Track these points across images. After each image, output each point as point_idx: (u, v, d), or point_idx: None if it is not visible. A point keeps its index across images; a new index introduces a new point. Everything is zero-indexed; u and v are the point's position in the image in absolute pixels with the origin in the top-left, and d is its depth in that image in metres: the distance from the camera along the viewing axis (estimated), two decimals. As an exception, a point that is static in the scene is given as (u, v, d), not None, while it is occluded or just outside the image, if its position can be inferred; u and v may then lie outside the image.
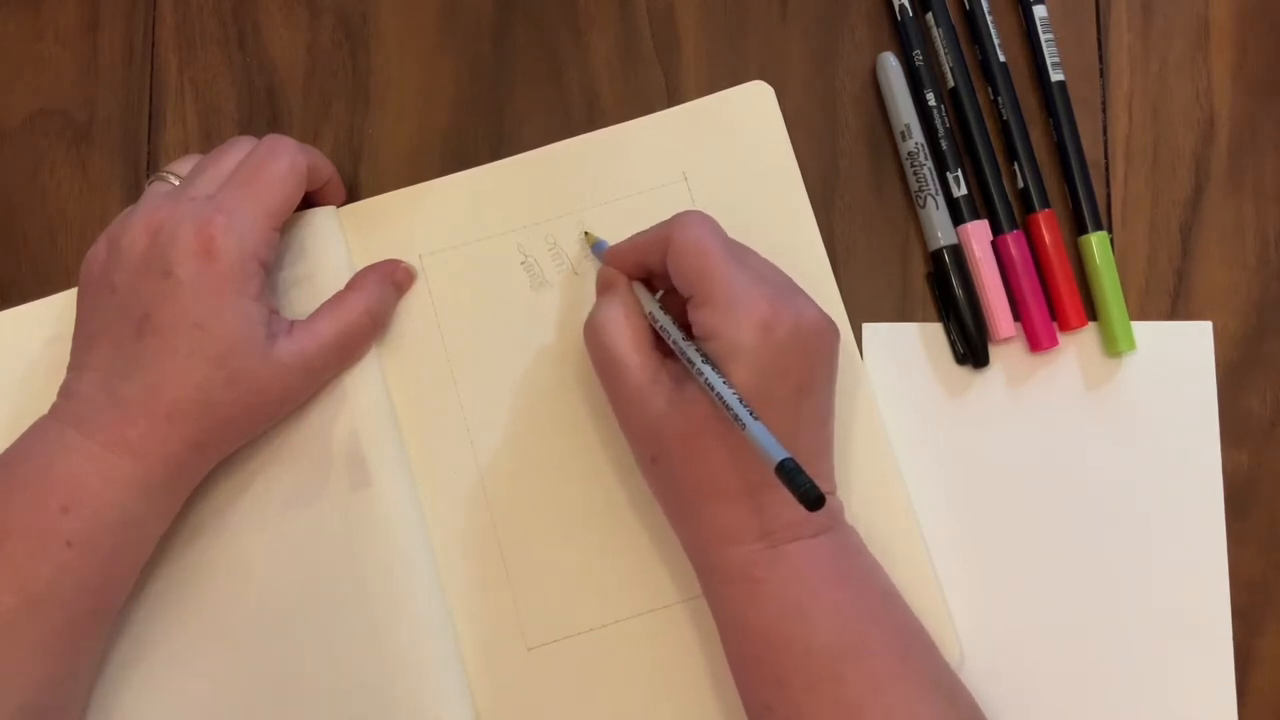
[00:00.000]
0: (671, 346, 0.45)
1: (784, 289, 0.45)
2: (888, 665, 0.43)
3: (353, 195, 0.54)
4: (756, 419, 0.41)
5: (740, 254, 0.46)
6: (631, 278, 0.48)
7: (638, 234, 0.48)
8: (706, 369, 0.43)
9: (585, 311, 0.51)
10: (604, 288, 0.48)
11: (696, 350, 0.44)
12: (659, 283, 0.48)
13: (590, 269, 0.52)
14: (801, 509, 0.45)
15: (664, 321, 0.46)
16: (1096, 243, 0.51)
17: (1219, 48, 0.53)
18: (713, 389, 0.42)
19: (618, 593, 0.50)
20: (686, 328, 0.45)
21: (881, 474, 0.50)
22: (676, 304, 0.46)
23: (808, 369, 0.44)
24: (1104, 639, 0.49)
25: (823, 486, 0.45)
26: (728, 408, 0.42)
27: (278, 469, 0.50)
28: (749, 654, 0.44)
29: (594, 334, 0.46)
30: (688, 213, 0.46)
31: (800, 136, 0.53)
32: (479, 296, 0.52)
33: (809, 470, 0.43)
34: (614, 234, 0.52)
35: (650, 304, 0.47)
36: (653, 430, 0.45)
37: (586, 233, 0.52)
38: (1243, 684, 0.49)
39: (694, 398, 0.43)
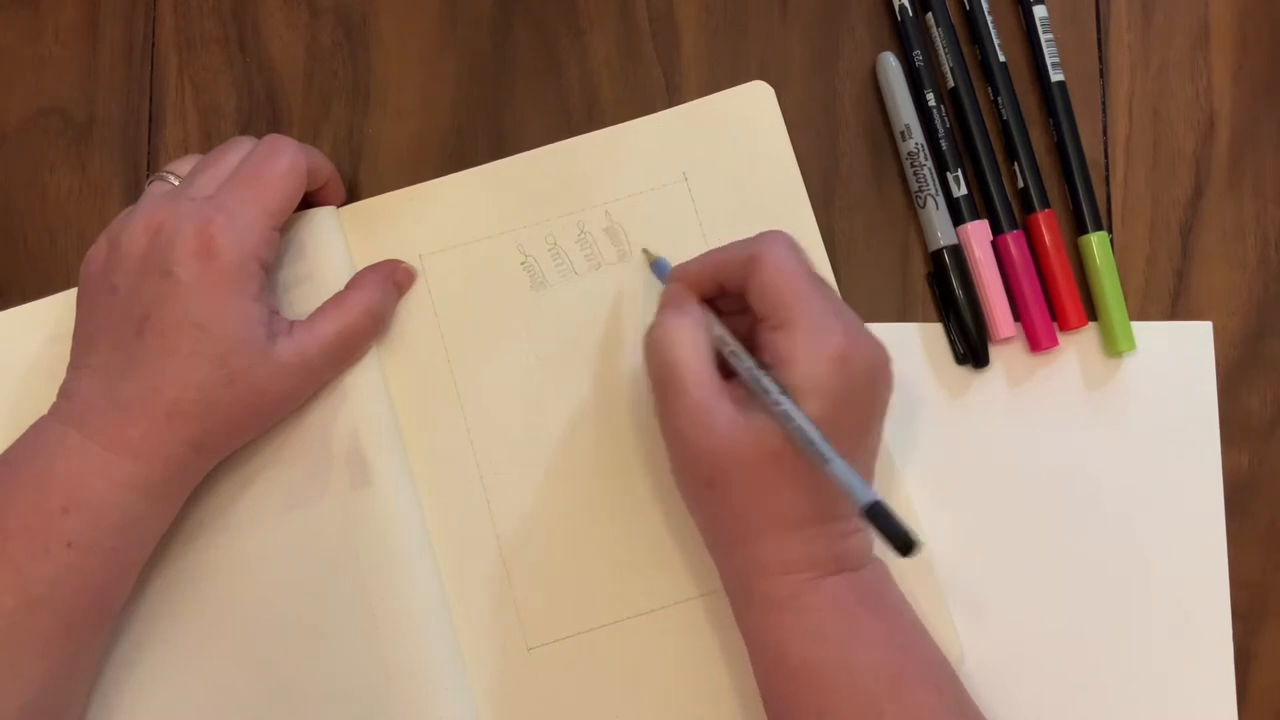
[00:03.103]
0: (741, 372, 0.44)
1: (856, 323, 0.44)
2: (926, 697, 0.43)
3: (353, 195, 0.54)
4: (840, 457, 0.40)
5: (822, 282, 0.45)
6: (702, 296, 0.46)
7: (713, 251, 0.46)
8: (786, 401, 0.42)
9: (585, 311, 0.52)
10: (669, 303, 0.47)
11: (773, 380, 0.43)
12: (723, 304, 0.47)
13: (590, 269, 0.52)
14: (871, 543, 0.45)
15: (735, 347, 0.45)
16: (1096, 243, 0.51)
17: (1219, 48, 0.53)
18: (791, 421, 0.41)
19: (618, 593, 0.50)
20: (750, 350, 0.45)
21: (881, 474, 0.50)
22: (735, 325, 0.46)
23: (872, 404, 0.44)
24: (1104, 639, 0.49)
25: (861, 522, 0.45)
26: (809, 443, 0.41)
27: (278, 469, 0.50)
28: (788, 685, 0.44)
29: (658, 348, 0.45)
30: (774, 232, 0.45)
31: (800, 136, 0.53)
32: (479, 296, 0.52)
33: (852, 506, 0.43)
34: (614, 234, 0.52)
35: (719, 327, 0.46)
36: (714, 454, 0.43)
37: (645, 250, 0.51)
38: (1243, 684, 0.49)
39: (762, 425, 0.42)
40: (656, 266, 0.50)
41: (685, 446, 0.44)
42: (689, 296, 0.46)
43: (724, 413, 0.43)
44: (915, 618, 0.45)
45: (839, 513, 0.43)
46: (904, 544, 0.38)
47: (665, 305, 0.47)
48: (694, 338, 0.45)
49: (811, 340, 0.43)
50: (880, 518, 0.39)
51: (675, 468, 0.46)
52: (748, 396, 0.43)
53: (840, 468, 0.40)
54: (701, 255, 0.47)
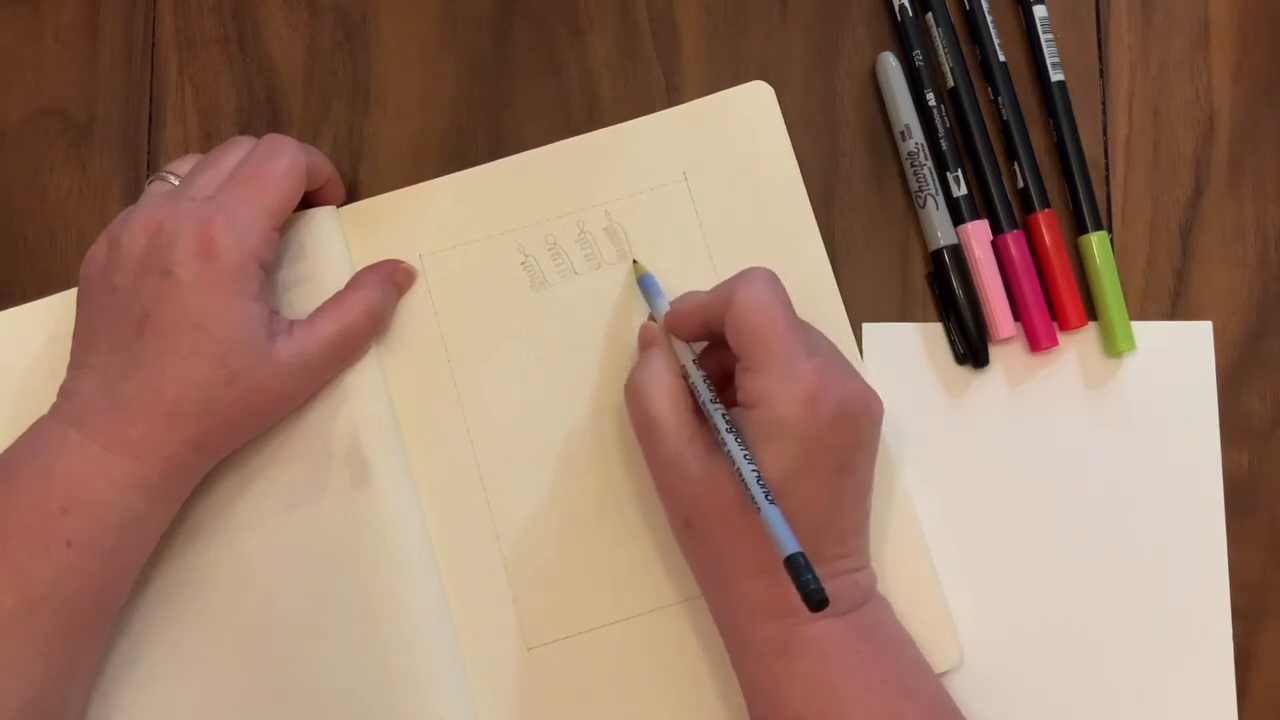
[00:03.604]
0: (704, 412, 0.44)
1: (833, 363, 0.44)
2: None
3: (353, 195, 0.54)
4: (772, 502, 0.40)
5: (797, 323, 0.45)
6: (693, 339, 0.47)
7: (699, 294, 0.46)
8: (730, 440, 0.42)
9: (585, 311, 0.52)
10: (644, 345, 0.47)
11: (724, 418, 0.43)
12: (718, 342, 0.47)
13: (590, 269, 0.52)
14: (870, 582, 0.45)
15: (696, 382, 0.45)
16: (1096, 243, 0.51)
17: (1219, 48, 0.53)
18: (733, 463, 0.41)
19: (617, 593, 0.50)
20: (731, 388, 0.44)
21: (881, 474, 0.50)
22: (715, 363, 0.46)
23: (850, 447, 0.43)
24: (1104, 639, 0.49)
25: (855, 562, 0.44)
26: (745, 486, 0.41)
27: (278, 469, 0.50)
28: None
29: (633, 394, 0.46)
30: (754, 270, 0.45)
31: (800, 136, 0.53)
32: (479, 296, 0.52)
33: (842, 548, 0.43)
34: (614, 234, 0.52)
35: (686, 362, 0.46)
36: (688, 496, 0.44)
37: (636, 261, 0.51)
38: (1243, 684, 0.49)
39: (730, 469, 0.42)
40: (643, 283, 0.50)
41: (663, 490, 0.46)
42: (659, 335, 0.47)
43: (696, 459, 0.43)
44: (917, 656, 0.45)
45: (822, 555, 0.42)
46: (814, 600, 0.38)
47: (643, 346, 0.48)
48: (666, 382, 0.45)
49: (781, 382, 0.42)
50: (796, 570, 0.38)
51: (664, 509, 0.47)
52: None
53: (770, 514, 0.40)
54: (688, 296, 0.47)
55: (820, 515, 0.43)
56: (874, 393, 0.44)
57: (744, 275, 0.45)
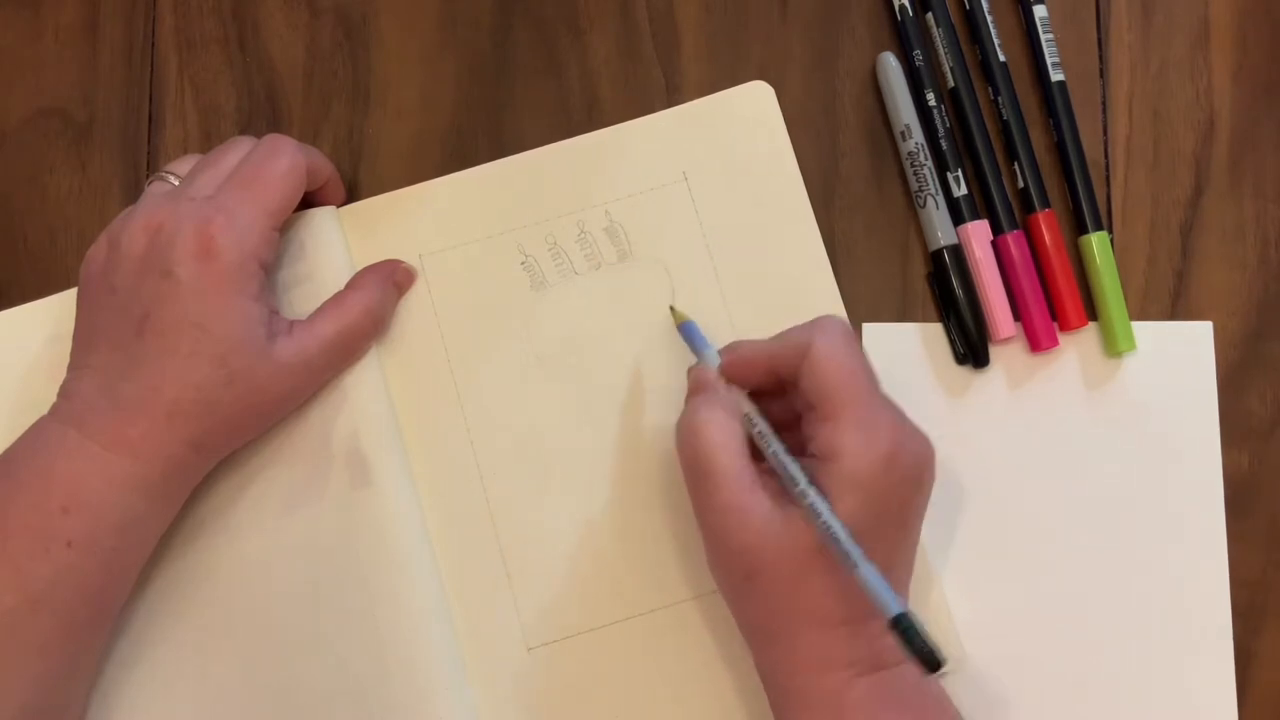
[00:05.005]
0: (769, 458, 0.43)
1: (902, 419, 0.44)
2: None
3: (353, 195, 0.54)
4: (868, 561, 0.40)
5: (873, 373, 0.44)
6: (753, 387, 0.45)
7: (759, 342, 0.45)
8: (814, 495, 0.41)
9: (585, 311, 0.52)
10: (698, 388, 0.45)
11: (803, 472, 0.42)
12: (774, 391, 0.45)
13: (590, 269, 0.52)
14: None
15: (764, 431, 0.43)
16: (1096, 243, 0.51)
17: (1219, 48, 0.53)
18: (819, 517, 0.41)
19: (618, 593, 0.50)
20: (795, 436, 0.44)
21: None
22: (771, 409, 0.45)
23: (913, 503, 0.43)
24: (1104, 639, 0.49)
25: (900, 604, 0.44)
26: (837, 543, 0.40)
27: (278, 469, 0.50)
28: None
29: (690, 437, 0.43)
30: (828, 319, 0.44)
31: (800, 136, 0.53)
32: (479, 296, 0.52)
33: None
34: (614, 234, 0.52)
35: (750, 410, 0.44)
36: (749, 551, 0.42)
37: (673, 308, 0.50)
38: (1243, 684, 0.49)
39: (797, 520, 0.41)
40: (685, 331, 0.48)
41: (720, 542, 0.43)
42: (716, 379, 0.45)
43: (759, 508, 0.42)
44: (956, 713, 0.45)
45: (877, 610, 0.42)
46: (930, 662, 0.37)
47: (695, 390, 0.46)
48: (727, 428, 0.43)
49: (861, 435, 0.42)
50: (906, 632, 0.38)
51: (711, 560, 0.45)
52: (783, 487, 0.43)
53: (869, 573, 0.39)
54: (745, 343, 0.46)
55: (884, 564, 0.42)
56: (932, 447, 0.44)
57: (819, 324, 0.44)
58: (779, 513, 0.42)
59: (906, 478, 0.42)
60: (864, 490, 0.41)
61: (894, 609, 0.38)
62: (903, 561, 0.44)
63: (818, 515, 0.41)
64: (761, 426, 0.44)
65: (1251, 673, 0.49)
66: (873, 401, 0.43)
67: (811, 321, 0.45)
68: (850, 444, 0.42)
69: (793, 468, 0.42)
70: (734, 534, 0.42)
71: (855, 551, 0.40)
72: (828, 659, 0.42)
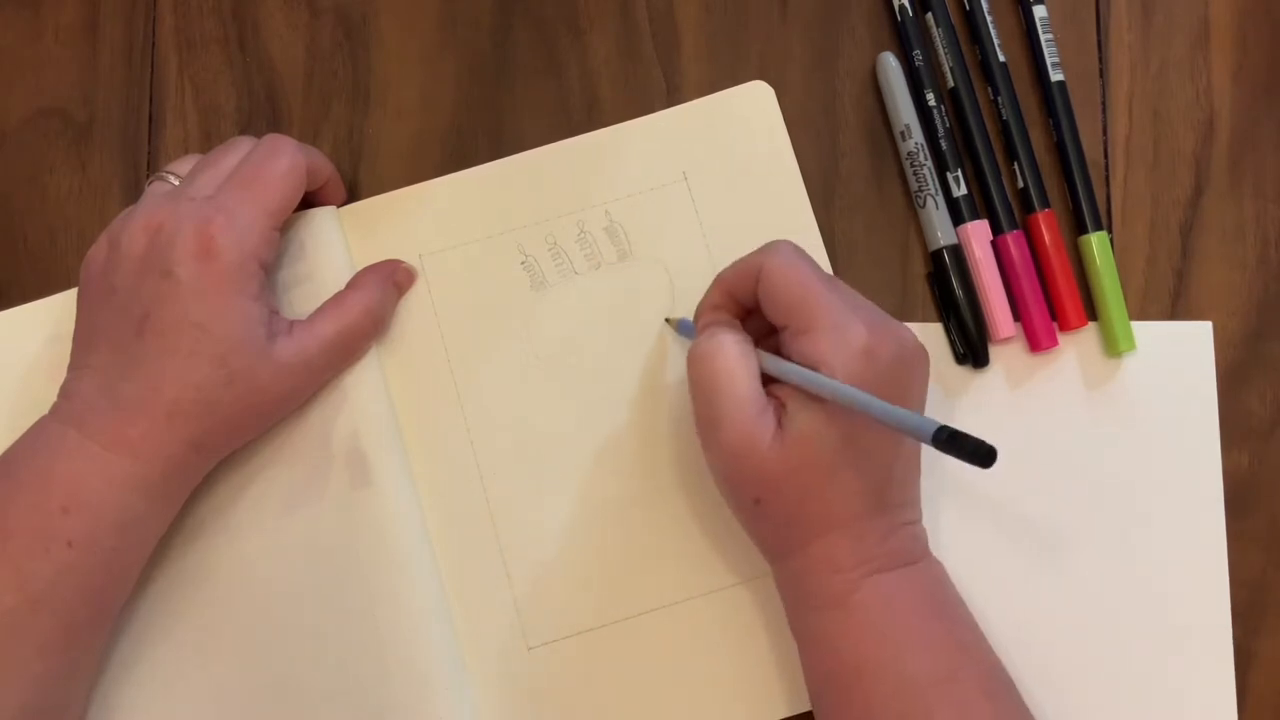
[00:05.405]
0: (782, 375, 0.43)
1: (875, 312, 0.44)
2: (976, 702, 0.42)
3: (353, 195, 0.54)
4: (896, 407, 0.40)
5: (832, 280, 0.45)
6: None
7: (720, 273, 0.47)
8: (834, 383, 0.41)
9: (585, 311, 0.52)
10: (706, 324, 0.47)
11: (810, 370, 0.43)
12: (749, 329, 0.47)
13: (590, 269, 0.52)
14: (925, 538, 0.45)
15: (765, 354, 0.45)
16: (1096, 243, 0.51)
17: (1219, 48, 0.53)
18: (843, 395, 0.41)
19: (617, 593, 0.50)
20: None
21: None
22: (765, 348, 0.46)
23: (906, 395, 0.44)
24: (1104, 639, 0.49)
25: (913, 514, 0.45)
26: (869, 406, 0.40)
27: (278, 469, 0.50)
28: (837, 683, 0.43)
29: (706, 362, 0.44)
30: (777, 241, 0.46)
31: (800, 136, 0.53)
32: (479, 296, 0.52)
33: (902, 496, 0.44)
34: (614, 234, 0.52)
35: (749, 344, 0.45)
36: (759, 476, 0.43)
37: (668, 319, 0.51)
38: (1243, 684, 0.49)
39: (801, 434, 0.42)
40: (682, 326, 0.50)
41: (728, 466, 0.44)
42: (720, 312, 0.47)
43: (766, 430, 0.43)
44: (973, 621, 0.45)
45: (887, 503, 0.43)
46: (984, 455, 0.37)
47: (699, 328, 0.47)
48: (739, 348, 0.44)
49: (833, 336, 0.43)
50: (953, 437, 0.38)
51: (722, 487, 0.46)
52: (779, 407, 0.43)
53: (899, 413, 0.40)
54: (712, 282, 0.47)
55: (883, 465, 0.43)
56: (920, 342, 0.45)
57: (767, 246, 0.45)
58: (781, 432, 0.43)
59: (890, 370, 0.43)
60: (854, 386, 0.42)
61: (931, 426, 0.38)
62: (908, 455, 0.45)
63: (838, 391, 0.41)
64: (765, 354, 0.45)
65: (1251, 673, 0.49)
66: (836, 304, 0.43)
67: (760, 248, 0.46)
68: (825, 349, 0.42)
69: (806, 372, 0.43)
70: (744, 459, 0.43)
71: (880, 405, 0.40)
72: (841, 559, 0.43)
